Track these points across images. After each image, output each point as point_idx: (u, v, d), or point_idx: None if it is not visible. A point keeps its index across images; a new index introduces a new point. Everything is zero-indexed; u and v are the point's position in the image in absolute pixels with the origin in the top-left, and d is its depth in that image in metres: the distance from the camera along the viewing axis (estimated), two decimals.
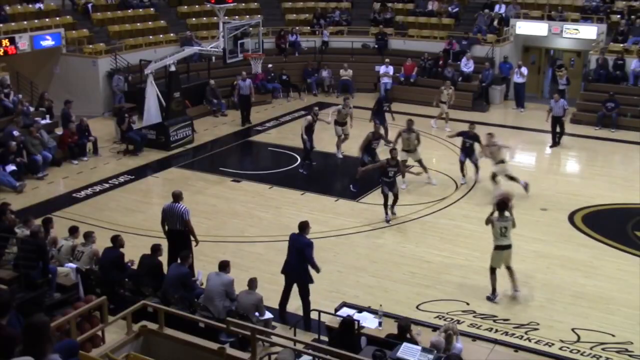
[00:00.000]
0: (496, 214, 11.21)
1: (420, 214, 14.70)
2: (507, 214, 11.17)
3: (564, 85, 22.21)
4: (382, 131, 17.31)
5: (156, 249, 10.74)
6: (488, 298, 11.25)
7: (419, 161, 16.23)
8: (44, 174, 16.73)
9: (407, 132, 16.20)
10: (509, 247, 11.19)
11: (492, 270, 11.26)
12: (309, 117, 17.49)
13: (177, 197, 11.62)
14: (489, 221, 11.22)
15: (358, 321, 9.06)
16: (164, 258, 11.30)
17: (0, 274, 10.04)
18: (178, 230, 11.47)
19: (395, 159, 14.18)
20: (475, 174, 16.37)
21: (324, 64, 25.27)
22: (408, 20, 26.65)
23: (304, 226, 10.59)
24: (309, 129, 17.30)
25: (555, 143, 19.30)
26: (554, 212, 14.85)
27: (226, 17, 19.95)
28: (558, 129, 19.29)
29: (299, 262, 10.45)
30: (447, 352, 8.08)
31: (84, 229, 11.63)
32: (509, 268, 11.31)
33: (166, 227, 11.66)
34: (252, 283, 9.82)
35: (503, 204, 11.32)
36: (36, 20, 22.05)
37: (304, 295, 10.49)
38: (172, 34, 24.56)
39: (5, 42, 19.75)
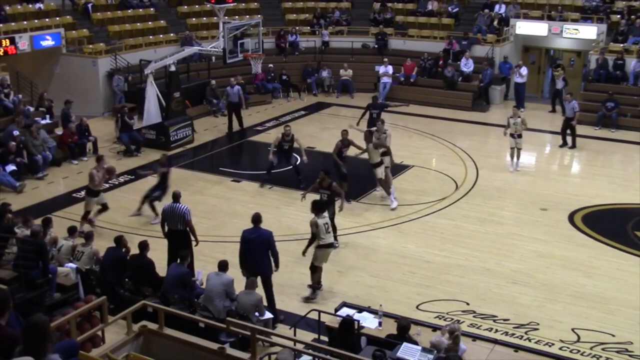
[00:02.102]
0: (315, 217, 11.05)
1: (420, 214, 14.69)
2: (325, 213, 11.21)
3: (561, 86, 22.17)
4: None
5: (144, 246, 10.67)
6: (309, 295, 11.22)
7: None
8: (44, 174, 16.73)
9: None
10: (332, 245, 11.28)
11: (315, 269, 11.20)
12: (278, 137, 16.24)
13: (177, 197, 11.66)
14: (314, 225, 10.96)
15: (358, 321, 9.06)
16: (163, 258, 11.33)
17: (0, 274, 10.04)
18: (179, 231, 11.48)
19: (327, 182, 12.77)
20: None
21: (324, 64, 25.27)
22: (408, 20, 26.65)
23: (258, 218, 10.61)
24: (279, 149, 16.02)
25: (564, 143, 19.22)
26: (554, 212, 14.84)
27: (226, 17, 19.94)
28: (569, 130, 19.12)
29: (263, 255, 10.45)
30: (453, 352, 8.07)
31: None
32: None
33: (166, 228, 11.69)
34: (252, 283, 9.84)
35: (319, 205, 11.34)
36: (36, 20, 22.05)
37: (268, 288, 10.50)
38: (172, 34, 24.57)
39: (5, 42, 19.75)
